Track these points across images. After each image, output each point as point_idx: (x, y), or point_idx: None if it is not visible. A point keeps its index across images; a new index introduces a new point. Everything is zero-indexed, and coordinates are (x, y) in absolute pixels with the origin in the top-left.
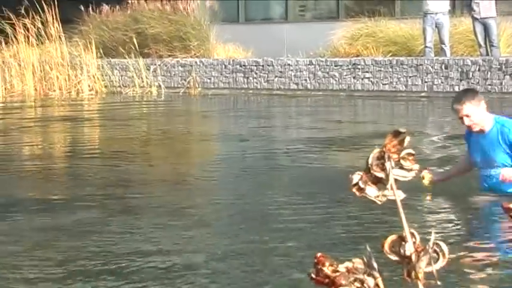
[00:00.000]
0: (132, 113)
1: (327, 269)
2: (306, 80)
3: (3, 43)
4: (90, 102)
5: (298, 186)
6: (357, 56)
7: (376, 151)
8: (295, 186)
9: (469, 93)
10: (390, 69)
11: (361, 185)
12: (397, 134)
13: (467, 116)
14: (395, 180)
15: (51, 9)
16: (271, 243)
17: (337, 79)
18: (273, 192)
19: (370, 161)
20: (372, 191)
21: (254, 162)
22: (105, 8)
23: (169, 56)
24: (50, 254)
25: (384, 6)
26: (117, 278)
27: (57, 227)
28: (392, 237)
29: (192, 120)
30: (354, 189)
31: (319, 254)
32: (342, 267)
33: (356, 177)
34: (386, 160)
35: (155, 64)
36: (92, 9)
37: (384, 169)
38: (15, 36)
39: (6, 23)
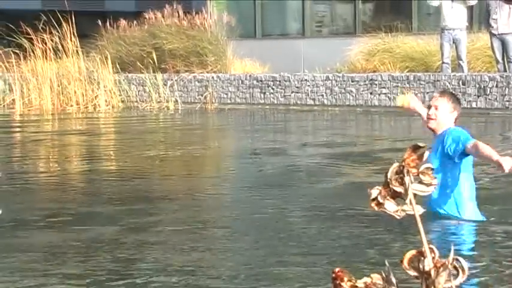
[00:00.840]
0: (148, 128)
1: (346, 285)
2: (322, 95)
3: (21, 58)
4: (107, 116)
5: (315, 202)
6: (374, 71)
7: (395, 165)
8: (312, 202)
9: (453, 96)
10: (407, 85)
11: (380, 199)
12: (416, 148)
13: (435, 107)
14: (414, 194)
15: (69, 24)
16: (291, 259)
17: (354, 95)
18: (292, 207)
19: (389, 176)
20: (390, 206)
21: (271, 177)
22: (123, 23)
23: (186, 71)
24: (68, 269)
25: (401, 21)
26: None
27: (71, 242)
28: (411, 253)
29: (208, 135)
30: (373, 204)
31: (337, 269)
32: (360, 283)
33: (375, 192)
34: (405, 174)
35: (172, 79)
36: (110, 24)
37: (402, 183)
38: (33, 51)
39: (24, 37)
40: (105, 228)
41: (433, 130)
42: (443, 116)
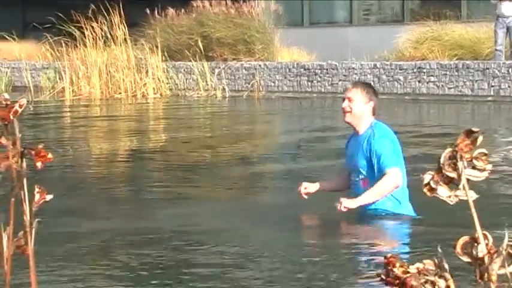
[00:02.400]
0: (196, 116)
1: (398, 270)
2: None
3: (71, 46)
4: (156, 104)
5: None
6: (422, 59)
7: (447, 150)
8: None
9: (367, 86)
10: (456, 73)
11: (433, 185)
12: (469, 133)
13: (349, 99)
14: (468, 180)
15: (118, 13)
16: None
17: (401, 83)
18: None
19: (441, 161)
20: (443, 191)
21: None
22: (171, 11)
23: (234, 59)
24: (113, 259)
25: (449, 9)
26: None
27: (117, 233)
28: (464, 239)
29: (254, 123)
30: (425, 189)
31: (389, 255)
32: (412, 268)
33: (427, 177)
34: (459, 160)
35: (219, 67)
36: (158, 12)
37: (456, 169)
38: (82, 40)
39: (74, 26)
40: (152, 220)
41: (351, 124)
42: (359, 108)
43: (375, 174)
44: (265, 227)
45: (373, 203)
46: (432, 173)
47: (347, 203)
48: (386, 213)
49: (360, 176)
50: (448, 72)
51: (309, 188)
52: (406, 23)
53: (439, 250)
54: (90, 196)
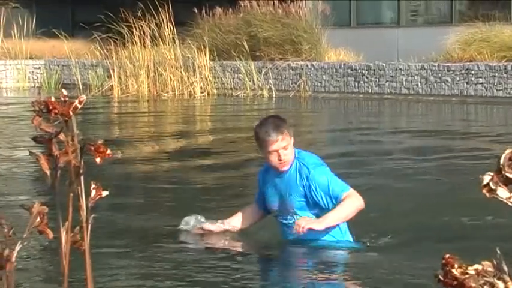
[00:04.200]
0: (244, 115)
1: (456, 271)
2: (417, 84)
3: (119, 45)
4: (204, 103)
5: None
6: (470, 61)
7: (508, 151)
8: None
9: (283, 122)
10: (505, 75)
11: (492, 186)
12: None
13: (285, 148)
14: None
15: (166, 12)
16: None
17: (449, 84)
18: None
19: (502, 162)
20: (503, 193)
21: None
22: (218, 10)
23: (281, 59)
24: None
25: (498, 10)
26: None
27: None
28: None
29: (300, 122)
30: (484, 191)
31: (447, 256)
32: (471, 270)
33: (487, 178)
34: None
35: (266, 67)
36: (205, 11)
37: None
38: (130, 38)
39: (122, 24)
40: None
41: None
42: (292, 150)
43: (316, 212)
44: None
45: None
46: (492, 173)
47: (313, 225)
48: (329, 242)
49: (295, 218)
50: (496, 74)
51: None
52: (455, 24)
53: (498, 252)
54: (139, 193)
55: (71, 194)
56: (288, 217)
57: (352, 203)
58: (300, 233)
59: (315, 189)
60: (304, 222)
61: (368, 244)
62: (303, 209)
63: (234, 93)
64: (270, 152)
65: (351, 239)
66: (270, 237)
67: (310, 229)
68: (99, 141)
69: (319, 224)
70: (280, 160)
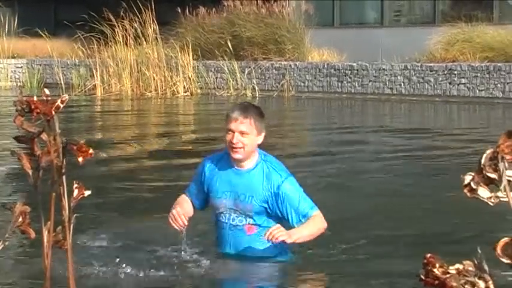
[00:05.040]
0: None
1: (437, 271)
2: (400, 84)
3: (102, 44)
4: (186, 102)
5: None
6: (453, 61)
7: (488, 151)
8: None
9: (259, 112)
10: (487, 75)
11: (473, 185)
12: (511, 134)
13: (242, 133)
14: (509, 181)
15: (149, 11)
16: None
17: (432, 84)
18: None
19: (482, 162)
20: (484, 192)
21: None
22: (202, 10)
23: (264, 58)
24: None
25: (481, 11)
26: None
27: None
28: (505, 240)
29: (283, 121)
30: (466, 190)
31: (428, 255)
32: (452, 269)
33: (468, 178)
34: (500, 161)
35: (250, 67)
36: (189, 11)
37: (496, 170)
38: (113, 37)
39: (106, 23)
40: None
41: (236, 161)
42: (251, 143)
43: (273, 219)
44: None
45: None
46: (473, 174)
47: (286, 237)
48: (269, 260)
49: (249, 221)
50: (479, 74)
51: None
52: (438, 24)
53: (479, 251)
54: (120, 192)
55: (54, 194)
56: (239, 219)
57: (320, 223)
58: (271, 241)
59: (282, 200)
60: (278, 233)
61: (308, 257)
62: (261, 214)
63: (217, 93)
64: (227, 130)
65: (290, 252)
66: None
67: (275, 240)
68: (82, 141)
69: (290, 238)
70: (231, 143)
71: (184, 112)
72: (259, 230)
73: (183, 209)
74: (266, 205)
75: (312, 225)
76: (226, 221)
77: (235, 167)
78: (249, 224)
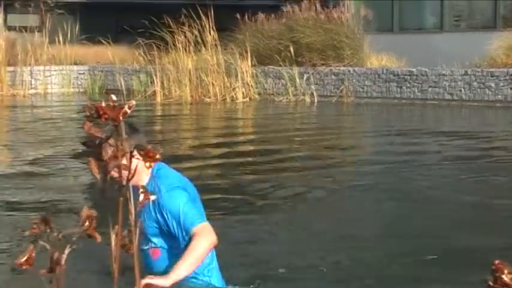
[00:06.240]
0: (287, 120)
1: (506, 277)
2: (460, 90)
3: (162, 50)
4: (246, 108)
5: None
6: None
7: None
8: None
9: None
10: None
11: None
12: None
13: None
14: None
15: (208, 18)
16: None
17: (493, 90)
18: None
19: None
20: None
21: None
22: (261, 16)
23: (323, 64)
24: None
25: None
26: None
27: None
28: None
29: (343, 127)
30: None
31: (497, 261)
32: None
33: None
34: None
35: (308, 72)
36: (248, 17)
37: None
38: (173, 44)
39: (166, 30)
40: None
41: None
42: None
43: (172, 241)
44: None
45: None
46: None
47: (160, 282)
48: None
49: (151, 245)
50: None
51: None
52: (498, 29)
53: None
54: None
55: (121, 198)
56: (143, 242)
57: (202, 243)
58: None
59: (167, 216)
60: (149, 281)
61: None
62: (157, 237)
63: (276, 99)
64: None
65: (221, 280)
66: None
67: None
68: (149, 146)
69: (167, 281)
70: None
71: (243, 117)
72: (163, 254)
73: None
74: (157, 225)
75: (193, 251)
76: (140, 243)
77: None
78: (151, 247)
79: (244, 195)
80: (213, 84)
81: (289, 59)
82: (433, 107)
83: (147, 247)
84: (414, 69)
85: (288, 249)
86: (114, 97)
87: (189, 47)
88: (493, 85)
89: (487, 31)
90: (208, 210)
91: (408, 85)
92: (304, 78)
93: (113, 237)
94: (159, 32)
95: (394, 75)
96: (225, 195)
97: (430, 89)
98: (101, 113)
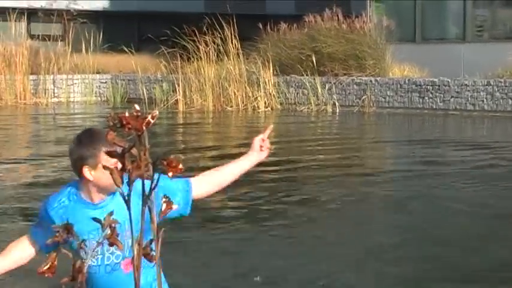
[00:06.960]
0: (309, 130)
1: None
2: (483, 100)
3: (185, 59)
4: (268, 117)
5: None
6: None
7: None
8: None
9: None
10: None
11: None
12: None
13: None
14: None
15: (230, 27)
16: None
17: None
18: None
19: None
20: None
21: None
22: (283, 26)
23: (345, 74)
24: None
25: None
26: None
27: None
28: None
29: (363, 135)
30: None
31: None
32: None
33: None
34: None
35: (330, 82)
36: (270, 27)
37: None
38: (195, 53)
39: (188, 39)
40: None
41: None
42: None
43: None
44: None
45: None
46: None
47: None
48: None
49: (120, 258)
50: None
51: None
52: None
53: None
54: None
55: (144, 208)
56: (115, 255)
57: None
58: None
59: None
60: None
61: None
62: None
63: (298, 108)
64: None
65: None
66: None
67: None
68: (172, 156)
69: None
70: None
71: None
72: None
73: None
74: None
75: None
76: (100, 263)
77: (82, 204)
78: (124, 259)
79: (262, 205)
80: (235, 93)
81: (311, 69)
82: (455, 118)
83: (118, 261)
84: (436, 80)
85: (302, 261)
86: (137, 107)
87: (211, 56)
88: None
89: (510, 41)
90: (227, 219)
91: (430, 95)
92: (326, 88)
93: (135, 246)
94: (181, 40)
95: (416, 86)
96: (243, 203)
97: (452, 99)
98: (124, 122)
